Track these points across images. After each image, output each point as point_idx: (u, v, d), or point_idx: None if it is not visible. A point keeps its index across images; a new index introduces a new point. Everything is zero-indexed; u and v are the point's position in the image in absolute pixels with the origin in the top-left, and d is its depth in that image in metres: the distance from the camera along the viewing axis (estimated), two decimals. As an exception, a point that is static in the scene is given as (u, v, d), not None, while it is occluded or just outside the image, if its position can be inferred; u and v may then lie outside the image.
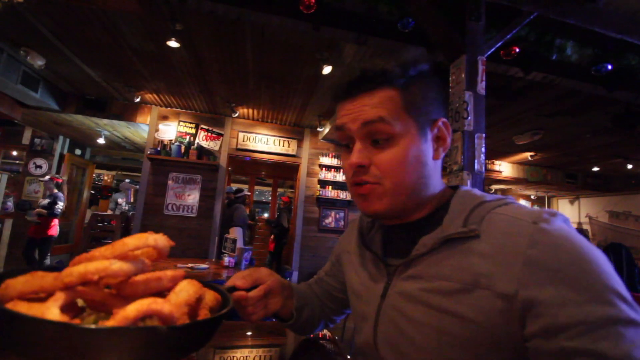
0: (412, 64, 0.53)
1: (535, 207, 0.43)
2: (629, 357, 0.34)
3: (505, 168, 6.31)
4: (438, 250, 0.49)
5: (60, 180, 4.58)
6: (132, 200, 7.92)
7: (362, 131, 0.52)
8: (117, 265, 0.35)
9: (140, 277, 0.38)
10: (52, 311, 0.31)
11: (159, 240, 0.40)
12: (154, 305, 0.33)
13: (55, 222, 4.52)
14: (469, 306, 0.44)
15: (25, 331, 0.30)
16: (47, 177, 4.53)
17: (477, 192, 0.55)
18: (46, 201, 4.44)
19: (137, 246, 0.39)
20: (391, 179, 0.51)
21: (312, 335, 0.87)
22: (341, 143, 0.57)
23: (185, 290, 0.40)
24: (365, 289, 0.60)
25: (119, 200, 6.80)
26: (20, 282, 0.34)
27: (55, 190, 4.49)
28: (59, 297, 0.33)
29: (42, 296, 0.34)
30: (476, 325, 0.43)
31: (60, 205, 4.48)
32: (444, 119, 0.55)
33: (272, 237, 5.97)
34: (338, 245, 0.80)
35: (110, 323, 0.32)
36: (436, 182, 0.56)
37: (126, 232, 4.78)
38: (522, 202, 8.50)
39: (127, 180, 4.87)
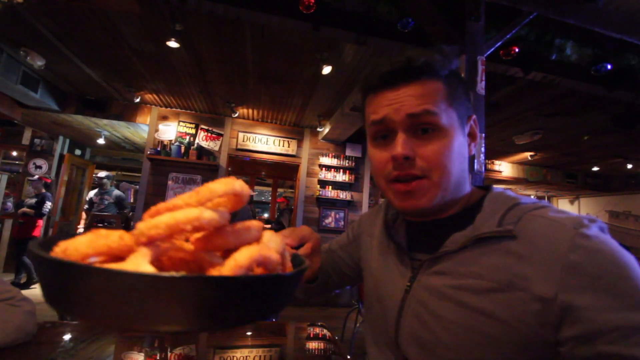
0: (450, 59, 0.53)
1: (573, 212, 0.47)
2: None
3: (505, 168, 6.31)
4: (470, 248, 0.48)
5: (49, 180, 4.57)
6: (132, 200, 7.92)
7: (407, 122, 0.50)
8: (209, 214, 0.29)
9: (230, 227, 0.32)
10: (144, 268, 0.25)
11: (244, 186, 0.34)
12: (264, 252, 0.30)
13: (40, 223, 4.50)
14: (502, 306, 0.43)
15: (126, 293, 0.23)
16: (35, 177, 4.49)
17: (511, 193, 0.53)
18: (33, 200, 4.38)
19: (225, 192, 0.33)
20: (437, 171, 0.49)
21: (311, 335, 0.87)
22: (377, 137, 0.54)
23: (274, 240, 0.35)
24: (388, 281, 0.59)
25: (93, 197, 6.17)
26: (82, 243, 0.27)
27: (44, 190, 4.46)
28: (145, 253, 0.27)
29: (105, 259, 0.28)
30: (508, 325, 0.42)
31: (48, 205, 4.46)
32: (475, 115, 0.56)
33: None
34: (358, 225, 0.78)
35: (217, 273, 0.27)
36: (468, 180, 0.55)
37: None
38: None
39: (103, 173, 4.74)
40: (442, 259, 0.51)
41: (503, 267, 0.44)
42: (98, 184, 4.84)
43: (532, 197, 8.62)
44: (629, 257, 0.40)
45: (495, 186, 0.56)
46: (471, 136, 0.55)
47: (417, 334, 0.51)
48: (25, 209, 4.28)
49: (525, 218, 0.46)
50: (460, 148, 0.51)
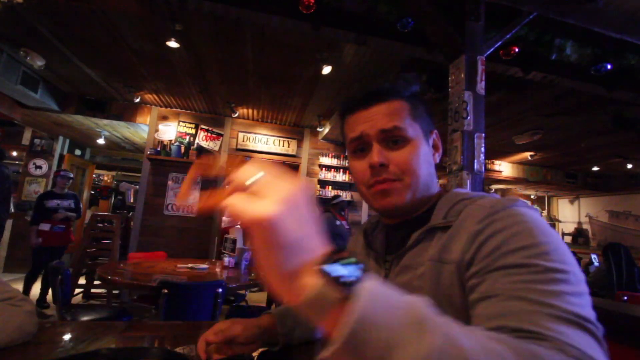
0: (410, 84, 0.65)
1: (508, 197, 0.56)
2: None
3: (505, 168, 6.31)
4: (422, 241, 0.57)
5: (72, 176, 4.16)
6: (131, 200, 7.92)
7: (380, 136, 0.60)
8: None
9: None
10: None
11: None
12: None
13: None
14: (437, 278, 0.51)
15: None
16: (61, 173, 3.92)
17: (461, 191, 0.62)
18: (69, 202, 3.85)
19: None
20: (410, 174, 0.59)
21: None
22: (356, 150, 0.64)
23: None
24: None
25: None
26: None
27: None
28: None
29: None
30: (442, 293, 0.50)
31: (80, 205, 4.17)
32: (436, 130, 0.67)
33: None
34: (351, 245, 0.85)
35: None
36: (435, 185, 0.64)
37: (126, 232, 4.77)
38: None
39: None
40: (404, 256, 0.59)
41: (439, 248, 0.53)
42: None
43: (532, 196, 8.61)
44: (528, 220, 0.47)
45: (456, 188, 0.67)
46: (435, 147, 0.66)
47: None
48: (66, 213, 3.76)
49: (465, 210, 0.55)
50: (426, 155, 0.62)
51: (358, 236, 0.77)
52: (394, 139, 0.59)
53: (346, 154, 0.73)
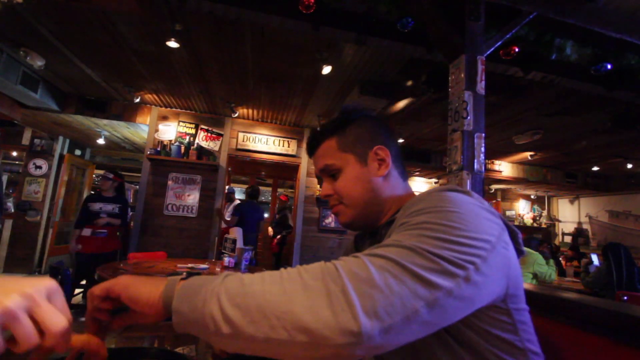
0: (349, 114, 0.74)
1: (443, 185, 0.61)
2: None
3: (505, 168, 6.31)
4: (385, 233, 0.64)
5: (120, 180, 3.74)
6: (131, 200, 7.91)
7: (322, 174, 0.75)
8: None
9: None
10: None
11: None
12: None
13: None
14: None
15: None
16: (110, 176, 3.61)
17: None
18: (112, 207, 3.56)
19: None
20: (346, 197, 0.70)
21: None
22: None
23: None
24: None
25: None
26: None
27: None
28: None
29: None
30: None
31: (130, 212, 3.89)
32: (380, 145, 0.72)
33: (277, 237, 5.89)
34: (344, 250, 0.92)
35: None
36: (391, 191, 0.71)
37: (126, 232, 4.77)
38: (522, 202, 8.51)
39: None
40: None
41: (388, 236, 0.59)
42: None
43: (532, 196, 8.60)
44: (439, 197, 0.52)
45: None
46: (381, 161, 0.71)
47: None
48: (108, 219, 3.47)
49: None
50: (360, 177, 0.70)
51: (351, 242, 0.86)
52: (330, 173, 0.72)
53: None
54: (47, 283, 0.38)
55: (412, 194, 0.73)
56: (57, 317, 0.36)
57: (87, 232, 3.40)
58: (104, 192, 3.58)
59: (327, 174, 0.73)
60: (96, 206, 3.48)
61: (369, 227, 0.74)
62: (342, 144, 0.72)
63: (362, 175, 0.70)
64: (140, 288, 0.46)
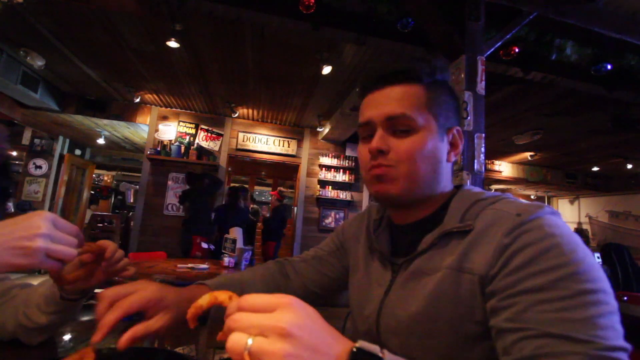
0: (439, 70, 0.59)
1: (531, 202, 0.52)
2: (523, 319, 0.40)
3: (505, 168, 6.31)
4: (437, 246, 0.53)
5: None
6: (131, 200, 7.92)
7: (386, 123, 0.56)
8: None
9: None
10: None
11: None
12: None
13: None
14: (456, 289, 0.48)
15: None
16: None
17: (476, 190, 0.58)
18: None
19: None
20: (406, 164, 0.55)
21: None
22: (364, 136, 0.60)
23: None
24: (373, 286, 0.62)
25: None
26: None
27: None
28: None
29: None
30: (463, 305, 0.47)
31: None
32: (459, 127, 0.61)
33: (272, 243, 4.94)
34: (342, 232, 0.80)
35: None
36: (446, 182, 0.60)
37: (126, 232, 4.77)
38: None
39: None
40: (415, 260, 0.55)
41: (459, 255, 0.49)
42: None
43: (532, 197, 8.61)
44: (557, 236, 0.43)
45: (466, 185, 0.61)
46: (452, 145, 0.60)
47: (393, 329, 0.55)
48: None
49: (483, 212, 0.51)
50: (433, 151, 0.56)
51: (360, 225, 0.73)
52: (400, 127, 0.55)
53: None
54: (46, 215, 0.47)
55: (453, 191, 0.60)
56: (69, 238, 0.49)
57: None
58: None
59: (392, 126, 0.56)
60: None
61: (402, 213, 0.62)
62: (431, 100, 0.57)
63: (437, 150, 0.56)
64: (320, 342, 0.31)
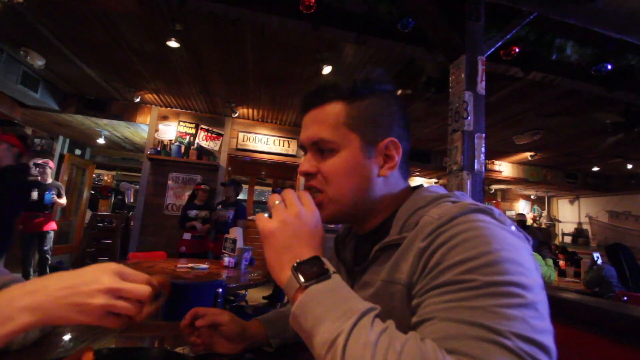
0: (370, 82, 0.58)
1: (467, 202, 0.50)
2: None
3: (505, 168, 6.31)
4: (380, 257, 0.54)
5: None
6: (132, 200, 7.91)
7: (311, 146, 0.58)
8: None
9: None
10: None
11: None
12: None
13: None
14: (389, 301, 0.49)
15: None
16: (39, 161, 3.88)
17: (424, 193, 0.56)
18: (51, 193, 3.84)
19: None
20: (333, 187, 0.56)
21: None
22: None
23: None
24: None
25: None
26: None
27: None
28: None
29: None
30: (396, 316, 0.45)
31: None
32: (393, 139, 0.57)
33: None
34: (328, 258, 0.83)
35: None
36: (384, 191, 0.58)
37: (126, 232, 4.77)
38: (522, 202, 8.49)
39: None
40: (366, 271, 0.56)
41: (390, 267, 0.51)
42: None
43: (532, 197, 8.58)
44: (470, 231, 0.43)
45: (425, 186, 0.60)
46: (387, 158, 0.57)
47: None
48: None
49: (421, 221, 0.50)
50: (357, 169, 0.55)
51: (331, 249, 0.76)
52: (324, 148, 0.56)
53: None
54: (111, 268, 0.45)
55: (408, 191, 0.60)
56: (138, 289, 0.45)
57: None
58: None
59: (316, 147, 0.57)
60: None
61: (353, 225, 0.65)
62: (352, 117, 0.56)
63: (362, 168, 0.56)
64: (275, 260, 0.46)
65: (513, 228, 0.47)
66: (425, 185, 0.60)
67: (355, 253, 0.65)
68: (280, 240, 0.46)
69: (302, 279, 0.42)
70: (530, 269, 0.40)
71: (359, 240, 0.65)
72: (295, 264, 0.44)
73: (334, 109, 0.57)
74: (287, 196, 0.49)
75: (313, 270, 0.43)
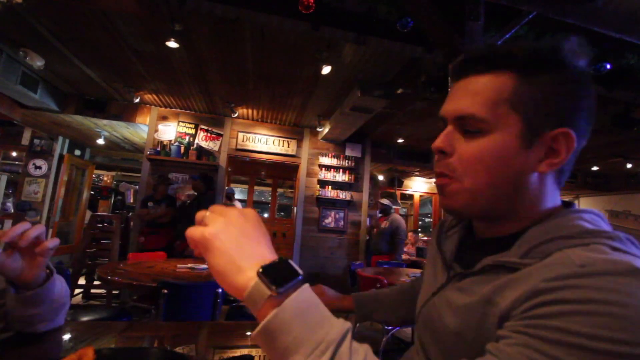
0: (557, 53, 0.46)
1: (632, 258, 0.35)
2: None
3: (505, 168, 6.31)
4: (490, 271, 0.46)
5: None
6: (131, 200, 7.91)
7: (455, 121, 0.49)
8: None
9: None
10: None
11: None
12: None
13: None
14: (483, 319, 0.43)
15: None
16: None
17: (577, 222, 0.44)
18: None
19: None
20: (470, 176, 0.46)
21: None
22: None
23: None
24: (427, 283, 0.63)
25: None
26: None
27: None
28: None
29: None
30: (485, 336, 0.42)
31: None
32: (568, 130, 0.45)
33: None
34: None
35: None
36: (538, 199, 0.47)
37: (126, 232, 4.77)
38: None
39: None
40: (467, 277, 0.50)
41: (495, 287, 0.43)
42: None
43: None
44: (618, 305, 0.31)
45: (574, 209, 0.48)
46: (551, 151, 0.46)
47: (427, 328, 0.57)
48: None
49: (555, 254, 0.40)
50: (508, 159, 0.45)
51: (438, 225, 0.70)
52: (469, 127, 0.47)
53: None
54: None
55: (558, 208, 0.48)
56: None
57: None
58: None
59: (461, 124, 0.48)
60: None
61: (478, 225, 0.55)
62: (519, 94, 0.45)
63: (514, 158, 0.45)
64: (228, 266, 0.37)
65: None
66: (582, 207, 0.48)
67: (458, 249, 0.58)
68: (229, 241, 0.38)
69: (274, 287, 0.35)
70: None
71: (466, 237, 0.58)
72: (261, 269, 0.36)
73: (499, 81, 0.46)
74: (215, 208, 0.42)
75: (284, 276, 0.36)
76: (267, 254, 0.39)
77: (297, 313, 0.34)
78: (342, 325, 0.36)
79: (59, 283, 0.73)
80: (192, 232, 0.40)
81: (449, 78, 0.55)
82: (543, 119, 0.45)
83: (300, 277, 0.37)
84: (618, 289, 0.32)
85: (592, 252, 0.37)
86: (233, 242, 0.38)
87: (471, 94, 0.47)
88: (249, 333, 0.90)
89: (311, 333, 0.34)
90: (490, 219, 0.51)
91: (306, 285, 0.38)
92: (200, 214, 0.41)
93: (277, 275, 0.36)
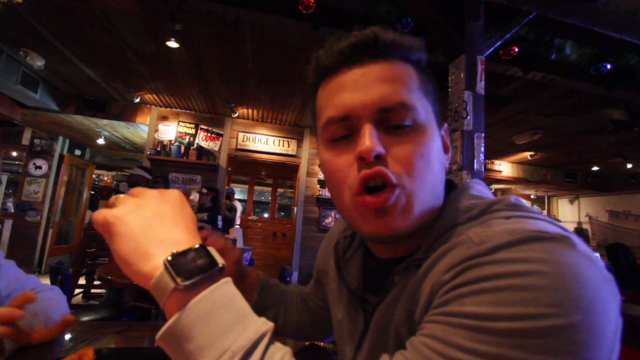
0: (421, 47, 0.43)
1: (529, 222, 0.33)
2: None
3: (505, 168, 6.31)
4: (399, 283, 0.41)
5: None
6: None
7: (377, 115, 0.38)
8: None
9: None
10: None
11: None
12: None
13: None
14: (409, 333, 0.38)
15: None
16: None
17: (469, 201, 0.40)
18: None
19: None
20: (415, 177, 0.37)
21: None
22: (336, 138, 0.41)
23: None
24: (346, 331, 0.50)
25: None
26: None
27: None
28: None
29: None
30: None
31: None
32: (446, 124, 0.46)
33: None
34: (317, 264, 0.67)
35: None
36: (441, 199, 0.43)
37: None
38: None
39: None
40: (385, 298, 0.43)
41: (409, 296, 0.39)
42: None
43: (532, 196, 8.57)
44: (528, 275, 0.28)
45: (460, 189, 0.44)
46: (444, 147, 0.44)
47: None
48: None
49: (453, 240, 0.36)
50: (439, 154, 0.41)
51: (328, 251, 0.58)
52: (397, 121, 0.38)
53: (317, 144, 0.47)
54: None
55: (446, 200, 0.43)
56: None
57: None
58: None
59: (387, 119, 0.38)
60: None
61: (401, 242, 0.43)
62: (425, 85, 0.41)
63: (440, 152, 0.41)
64: (132, 251, 0.33)
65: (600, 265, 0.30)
66: (466, 183, 0.44)
67: (364, 273, 0.49)
68: (137, 225, 0.33)
69: (179, 279, 0.30)
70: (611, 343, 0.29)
71: (370, 257, 0.49)
72: (170, 257, 0.31)
73: (407, 70, 0.40)
74: (133, 190, 0.38)
75: (196, 265, 0.31)
76: (183, 240, 0.33)
77: (203, 315, 0.30)
78: (257, 329, 0.31)
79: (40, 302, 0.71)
80: (96, 215, 0.35)
81: (315, 74, 0.48)
82: (439, 110, 0.44)
83: (218, 268, 0.32)
84: (517, 258, 0.29)
85: (489, 227, 0.34)
86: (142, 225, 0.33)
87: (388, 81, 0.39)
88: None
89: (215, 340, 0.29)
90: (413, 233, 0.41)
91: (225, 280, 0.32)
92: (112, 198, 0.37)
93: (187, 265, 0.31)
